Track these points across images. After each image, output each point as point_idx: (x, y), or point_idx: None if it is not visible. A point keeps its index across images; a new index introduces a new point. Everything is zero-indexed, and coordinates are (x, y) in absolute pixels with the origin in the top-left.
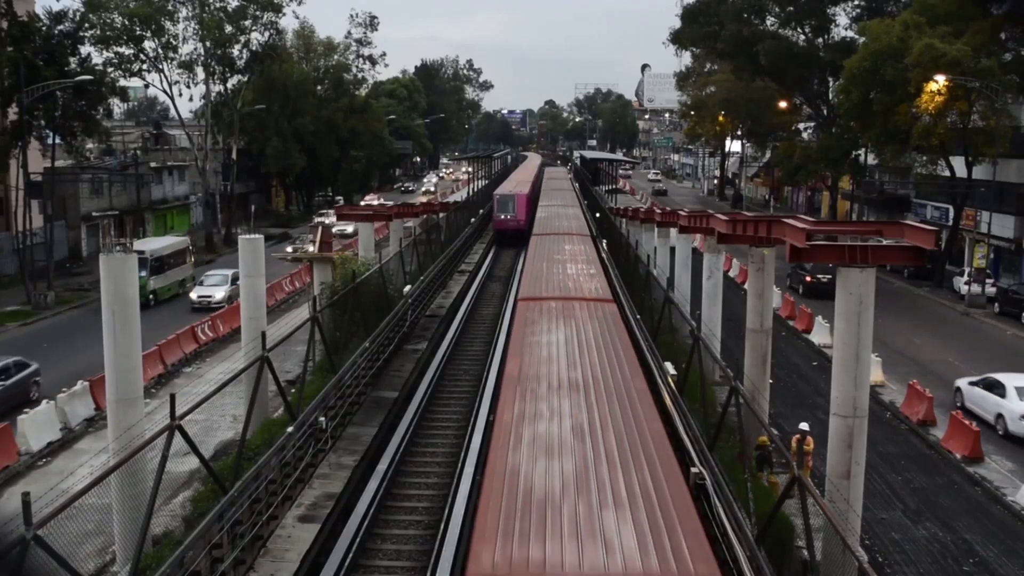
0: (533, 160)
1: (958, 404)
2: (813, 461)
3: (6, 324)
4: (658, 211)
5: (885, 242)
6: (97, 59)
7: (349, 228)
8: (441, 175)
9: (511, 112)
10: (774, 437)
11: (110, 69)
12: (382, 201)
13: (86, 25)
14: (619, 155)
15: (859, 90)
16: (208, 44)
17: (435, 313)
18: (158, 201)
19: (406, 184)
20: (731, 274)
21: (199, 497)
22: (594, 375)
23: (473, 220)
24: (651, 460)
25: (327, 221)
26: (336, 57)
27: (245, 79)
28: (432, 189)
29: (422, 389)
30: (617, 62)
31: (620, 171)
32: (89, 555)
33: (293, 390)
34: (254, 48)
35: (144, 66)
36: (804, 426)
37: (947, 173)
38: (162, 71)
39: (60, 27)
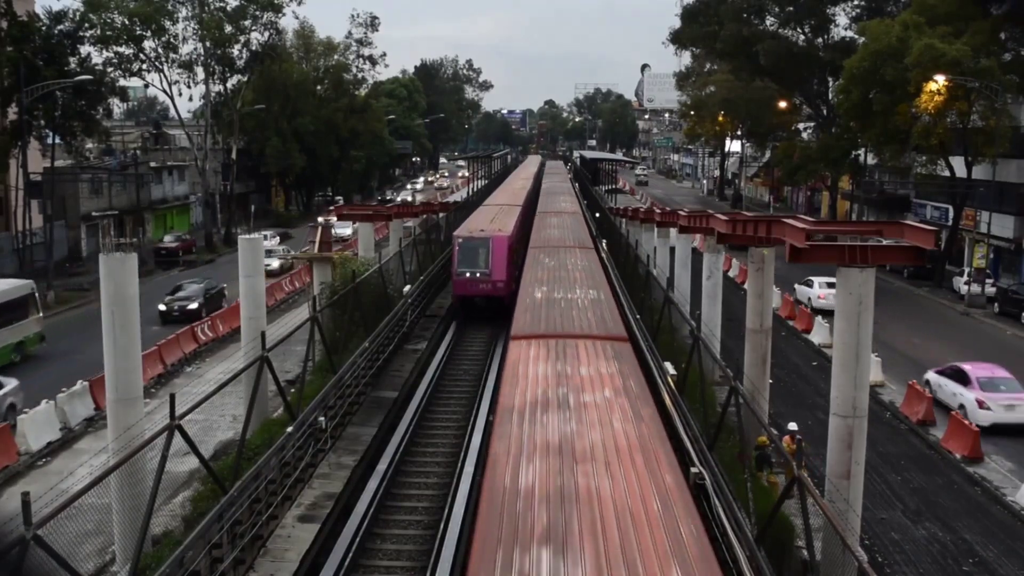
0: (530, 166)
1: (807, 301)
2: (806, 460)
3: None
4: (658, 211)
5: (885, 242)
6: (97, 59)
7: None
8: (430, 179)
9: (511, 112)
10: (774, 437)
11: (110, 69)
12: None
13: (86, 25)
14: (619, 155)
15: (859, 90)
16: (208, 44)
17: (435, 313)
18: (158, 201)
19: (388, 193)
20: (731, 274)
21: (199, 497)
22: None
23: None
24: None
25: (269, 245)
26: (336, 57)
27: (245, 79)
28: (410, 199)
29: (422, 389)
30: (617, 62)
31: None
32: (89, 555)
33: (293, 390)
34: (254, 48)
35: (144, 66)
36: (793, 426)
37: (947, 173)
38: (162, 71)
39: (60, 27)
